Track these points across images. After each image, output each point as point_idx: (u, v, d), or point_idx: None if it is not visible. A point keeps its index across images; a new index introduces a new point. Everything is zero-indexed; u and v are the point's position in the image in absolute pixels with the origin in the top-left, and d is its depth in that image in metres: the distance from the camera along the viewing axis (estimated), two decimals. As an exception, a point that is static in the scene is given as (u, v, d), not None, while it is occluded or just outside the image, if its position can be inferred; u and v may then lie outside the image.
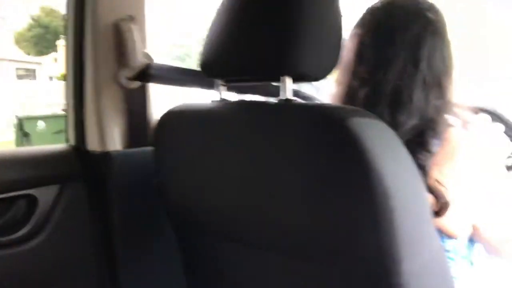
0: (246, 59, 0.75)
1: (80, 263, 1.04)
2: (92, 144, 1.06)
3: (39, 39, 19.49)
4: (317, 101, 1.10)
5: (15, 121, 6.33)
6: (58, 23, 19.49)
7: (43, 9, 19.95)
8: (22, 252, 0.96)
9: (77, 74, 1.06)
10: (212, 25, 0.79)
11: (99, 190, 1.04)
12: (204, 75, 0.84)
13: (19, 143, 6.01)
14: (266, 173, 0.75)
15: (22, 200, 0.97)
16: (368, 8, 0.90)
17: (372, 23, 0.87)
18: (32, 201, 0.97)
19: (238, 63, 0.76)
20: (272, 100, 0.77)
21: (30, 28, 19.63)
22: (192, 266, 1.01)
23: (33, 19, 19.23)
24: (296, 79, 0.73)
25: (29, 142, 5.84)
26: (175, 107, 0.95)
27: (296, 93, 0.76)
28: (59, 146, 1.10)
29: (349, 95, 0.87)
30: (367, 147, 0.61)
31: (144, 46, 1.05)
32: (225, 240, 0.88)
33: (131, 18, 1.01)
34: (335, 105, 0.87)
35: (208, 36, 0.80)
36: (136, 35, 1.00)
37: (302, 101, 0.83)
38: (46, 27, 19.67)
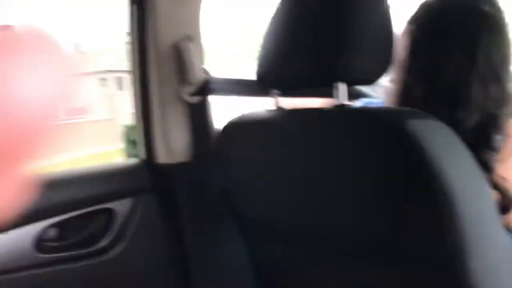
0: (300, 69, 0.77)
1: (156, 270, 1.11)
2: (161, 157, 1.13)
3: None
4: (372, 100, 1.10)
5: (123, 129, 6.63)
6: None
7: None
8: (104, 261, 1.04)
9: (143, 93, 1.13)
10: (265, 37, 0.82)
11: (169, 200, 1.11)
12: (260, 86, 0.88)
13: (127, 151, 6.25)
14: (327, 178, 0.77)
15: (101, 214, 1.05)
16: (422, 3, 0.89)
17: (426, 19, 0.86)
18: (110, 214, 1.05)
19: (292, 73, 0.79)
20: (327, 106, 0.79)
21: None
22: (262, 271, 1.04)
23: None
24: (350, 84, 0.75)
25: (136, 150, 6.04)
26: (234, 118, 0.99)
27: (350, 90, 0.77)
28: (131, 160, 1.18)
29: (405, 93, 0.87)
30: (427, 150, 0.61)
31: (202, 62, 1.10)
32: (293, 244, 0.90)
33: (189, 38, 1.08)
34: (391, 108, 0.87)
35: (262, 48, 0.83)
36: (194, 53, 1.06)
37: (357, 106, 0.83)
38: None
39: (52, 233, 0.99)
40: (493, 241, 0.67)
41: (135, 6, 1.09)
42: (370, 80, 0.76)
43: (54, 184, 1.03)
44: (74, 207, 1.00)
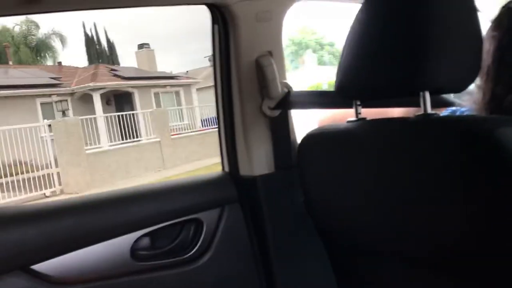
0: (382, 79, 0.76)
1: (242, 279, 1.14)
2: (244, 169, 1.17)
3: (294, 56, 22.24)
4: (459, 108, 1.06)
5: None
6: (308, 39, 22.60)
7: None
8: (193, 270, 1.08)
9: (226, 107, 1.18)
10: (345, 46, 0.81)
11: (253, 211, 1.14)
12: (341, 98, 0.88)
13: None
14: (411, 189, 0.75)
15: (190, 224, 1.10)
16: (503, 7, 0.85)
17: (510, 23, 0.82)
18: (198, 224, 1.10)
19: (375, 83, 0.78)
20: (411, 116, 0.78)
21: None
22: (345, 283, 1.04)
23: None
24: (435, 93, 0.73)
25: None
26: (314, 130, 1.00)
27: (435, 98, 0.74)
28: (216, 173, 1.23)
29: (495, 102, 0.83)
30: None
31: (284, 77, 1.13)
32: (377, 256, 0.89)
33: (270, 53, 1.11)
34: (477, 116, 0.83)
35: (342, 59, 0.82)
36: (275, 68, 1.09)
37: (441, 115, 0.81)
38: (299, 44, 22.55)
39: (146, 242, 1.06)
40: None
41: (216, 26, 1.14)
42: (458, 88, 0.74)
43: (147, 196, 1.10)
44: (166, 218, 1.06)
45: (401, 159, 0.77)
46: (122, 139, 10.48)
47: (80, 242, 0.97)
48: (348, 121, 0.91)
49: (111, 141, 10.57)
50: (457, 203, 0.69)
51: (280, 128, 1.14)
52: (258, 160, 1.15)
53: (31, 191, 8.05)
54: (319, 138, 0.99)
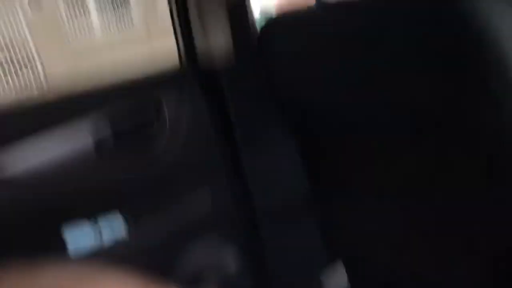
0: None
1: (205, 164, 1.17)
2: (203, 59, 1.15)
3: None
4: None
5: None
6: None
7: None
8: (154, 153, 1.08)
9: None
10: None
11: (216, 102, 1.14)
12: None
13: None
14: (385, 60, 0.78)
15: (150, 103, 1.08)
16: None
17: None
18: (158, 105, 1.08)
19: None
20: None
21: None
22: (313, 166, 1.09)
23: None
24: None
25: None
26: (275, 17, 0.99)
27: None
28: (174, 65, 1.21)
29: None
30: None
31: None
32: (346, 136, 0.94)
33: None
34: None
35: None
36: None
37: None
38: None
39: (104, 123, 1.04)
40: None
41: None
42: None
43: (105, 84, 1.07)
44: (123, 98, 1.04)
45: (371, 41, 0.78)
46: None
47: None
48: (310, 7, 0.90)
49: None
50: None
51: (239, 15, 1.12)
52: (219, 44, 1.12)
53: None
54: (280, 26, 0.97)
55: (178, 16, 1.15)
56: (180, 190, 1.13)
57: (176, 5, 1.15)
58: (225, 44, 1.14)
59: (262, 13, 2.85)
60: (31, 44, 6.17)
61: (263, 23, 1.05)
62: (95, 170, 1.02)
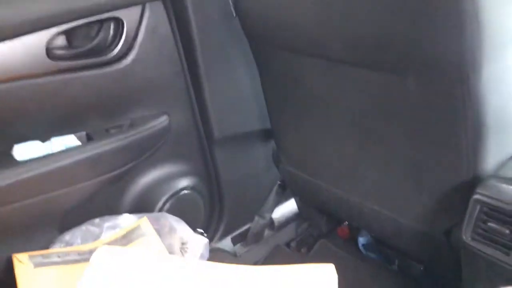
0: None
1: (167, 79, 1.14)
2: None
3: None
4: None
5: None
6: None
7: None
8: (115, 71, 1.05)
9: None
10: None
11: (177, 10, 1.08)
12: None
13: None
14: None
15: (109, 22, 1.02)
16: None
17: None
18: (118, 23, 1.03)
19: None
20: None
21: None
22: (269, 81, 1.07)
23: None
24: None
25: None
26: None
27: None
28: None
29: None
30: None
31: None
32: (299, 53, 0.91)
33: None
34: None
35: None
36: None
37: None
38: None
39: (62, 41, 0.98)
40: (510, 46, 0.66)
41: None
42: None
43: None
44: (82, 15, 0.97)
45: None
46: None
47: None
48: None
49: None
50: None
51: None
52: None
53: None
54: None
55: None
56: (137, 109, 1.11)
57: None
58: None
59: None
60: None
61: None
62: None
